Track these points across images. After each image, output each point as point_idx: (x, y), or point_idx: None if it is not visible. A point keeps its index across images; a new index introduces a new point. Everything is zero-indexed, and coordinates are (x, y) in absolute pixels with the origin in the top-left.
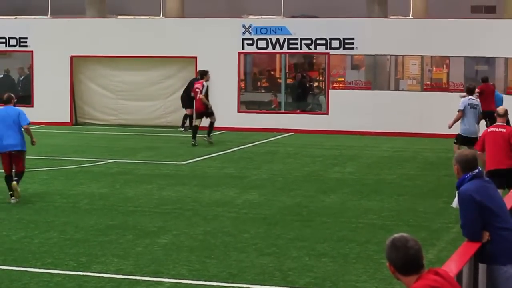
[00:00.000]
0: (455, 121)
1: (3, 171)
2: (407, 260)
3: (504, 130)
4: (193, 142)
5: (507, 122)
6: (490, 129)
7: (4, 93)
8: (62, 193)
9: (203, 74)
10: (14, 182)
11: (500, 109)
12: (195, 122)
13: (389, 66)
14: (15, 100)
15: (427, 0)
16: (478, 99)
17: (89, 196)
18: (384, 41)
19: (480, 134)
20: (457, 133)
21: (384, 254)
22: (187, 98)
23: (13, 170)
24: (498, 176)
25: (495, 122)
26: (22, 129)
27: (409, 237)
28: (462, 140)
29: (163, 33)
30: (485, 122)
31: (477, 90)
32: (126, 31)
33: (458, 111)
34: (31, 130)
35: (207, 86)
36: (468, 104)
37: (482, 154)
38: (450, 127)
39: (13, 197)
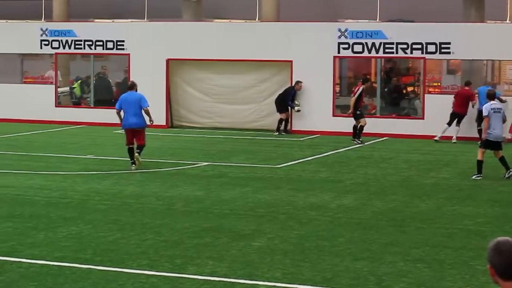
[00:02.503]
0: (486, 129)
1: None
2: (510, 265)
3: None
4: (357, 141)
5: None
6: None
7: (100, 95)
8: (158, 195)
9: (365, 80)
10: (137, 154)
11: None
12: (359, 122)
13: (486, 71)
14: (137, 86)
15: None
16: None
17: (184, 199)
18: (481, 46)
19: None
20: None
21: (480, 260)
22: (281, 103)
23: (136, 144)
24: None
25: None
26: (142, 110)
27: None
28: (488, 144)
29: (258, 37)
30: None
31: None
32: (222, 35)
33: (483, 118)
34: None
35: (360, 91)
36: (491, 109)
37: None
38: (483, 138)
39: (133, 165)
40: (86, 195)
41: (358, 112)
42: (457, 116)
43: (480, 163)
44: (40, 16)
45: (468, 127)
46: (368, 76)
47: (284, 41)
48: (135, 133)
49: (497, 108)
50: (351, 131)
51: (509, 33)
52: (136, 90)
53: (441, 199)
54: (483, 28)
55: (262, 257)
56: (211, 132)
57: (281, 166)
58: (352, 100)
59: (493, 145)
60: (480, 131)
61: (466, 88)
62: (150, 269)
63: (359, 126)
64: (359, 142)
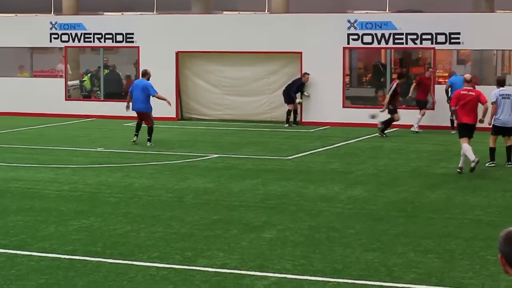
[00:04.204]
0: (492, 114)
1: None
2: None
3: (474, 94)
4: (380, 134)
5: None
6: (463, 92)
7: (110, 89)
8: (168, 187)
9: (400, 75)
10: (148, 143)
11: (467, 76)
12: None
13: (496, 61)
14: (150, 75)
15: None
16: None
17: (194, 191)
18: (491, 36)
19: None
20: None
21: (490, 250)
22: (288, 94)
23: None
24: (468, 128)
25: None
26: (151, 97)
27: None
28: (497, 130)
29: (268, 29)
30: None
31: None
32: (231, 27)
33: (492, 104)
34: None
35: (394, 86)
36: (500, 95)
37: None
38: (490, 124)
39: (136, 137)
40: (96, 188)
41: (391, 107)
42: (419, 103)
43: (492, 150)
44: (49, 9)
45: None
46: (393, 69)
47: (293, 33)
48: (142, 116)
49: (506, 94)
50: (361, 122)
51: None
52: (148, 79)
53: (451, 189)
54: (493, 18)
55: (273, 248)
56: (221, 124)
57: (291, 158)
58: (387, 97)
59: (502, 131)
60: (452, 121)
61: (425, 74)
62: (161, 262)
63: (388, 118)
64: (382, 135)
